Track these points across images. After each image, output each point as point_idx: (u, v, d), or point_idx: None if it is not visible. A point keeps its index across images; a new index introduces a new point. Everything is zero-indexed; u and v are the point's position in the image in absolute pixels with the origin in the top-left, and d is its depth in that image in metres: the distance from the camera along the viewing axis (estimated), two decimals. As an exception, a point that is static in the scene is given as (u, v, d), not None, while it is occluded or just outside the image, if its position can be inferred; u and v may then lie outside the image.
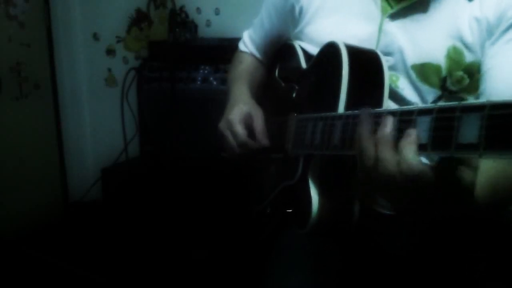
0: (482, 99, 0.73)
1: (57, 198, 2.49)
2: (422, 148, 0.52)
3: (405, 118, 0.55)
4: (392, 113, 0.57)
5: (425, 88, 0.81)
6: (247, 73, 1.11)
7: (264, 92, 1.12)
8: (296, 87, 0.95)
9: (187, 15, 2.24)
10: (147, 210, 1.92)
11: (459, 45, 0.77)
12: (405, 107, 0.57)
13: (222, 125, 0.99)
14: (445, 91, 0.81)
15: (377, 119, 0.59)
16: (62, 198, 2.52)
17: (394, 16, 0.82)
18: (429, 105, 0.53)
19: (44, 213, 2.37)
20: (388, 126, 0.57)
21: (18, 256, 1.98)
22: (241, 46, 1.16)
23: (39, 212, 2.33)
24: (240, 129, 0.94)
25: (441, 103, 0.51)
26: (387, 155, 0.56)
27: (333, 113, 0.73)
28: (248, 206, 1.11)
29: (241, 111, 0.97)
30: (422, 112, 0.53)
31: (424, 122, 0.52)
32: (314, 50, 0.91)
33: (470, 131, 0.46)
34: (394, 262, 0.88)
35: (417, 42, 0.80)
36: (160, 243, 1.88)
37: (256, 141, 0.94)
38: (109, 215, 2.06)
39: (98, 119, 2.58)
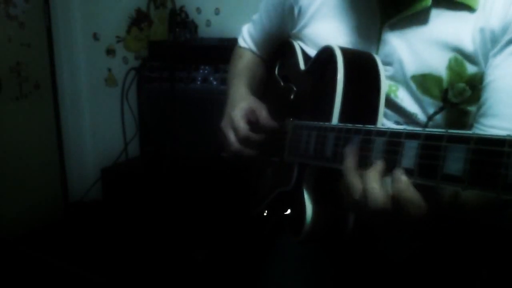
0: (482, 109, 0.73)
1: (57, 198, 2.49)
2: (408, 172, 0.52)
3: (394, 140, 0.55)
4: (382, 133, 0.57)
5: (426, 99, 0.79)
6: (247, 69, 1.10)
7: (264, 89, 1.11)
8: (294, 89, 0.95)
9: (187, 15, 2.24)
10: (147, 210, 1.92)
11: (460, 57, 0.76)
12: (394, 128, 0.56)
13: (224, 122, 0.98)
14: (447, 103, 0.79)
15: (367, 137, 0.59)
16: (62, 198, 2.52)
17: (393, 26, 0.79)
18: (416, 129, 0.53)
19: (44, 213, 2.37)
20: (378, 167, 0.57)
21: (18, 256, 1.98)
22: (241, 42, 1.14)
23: (39, 212, 2.34)
24: (242, 124, 0.93)
25: (428, 129, 0.51)
26: (375, 187, 0.56)
27: (327, 124, 0.72)
28: (247, 207, 1.10)
29: (243, 107, 0.96)
30: (410, 135, 0.53)
31: (412, 148, 0.52)
32: (312, 52, 0.90)
33: (455, 163, 0.46)
34: (393, 267, 0.87)
35: (418, 53, 0.78)
36: (160, 243, 1.88)
37: (263, 125, 0.93)
38: (109, 215, 2.06)
39: (98, 119, 2.58)
